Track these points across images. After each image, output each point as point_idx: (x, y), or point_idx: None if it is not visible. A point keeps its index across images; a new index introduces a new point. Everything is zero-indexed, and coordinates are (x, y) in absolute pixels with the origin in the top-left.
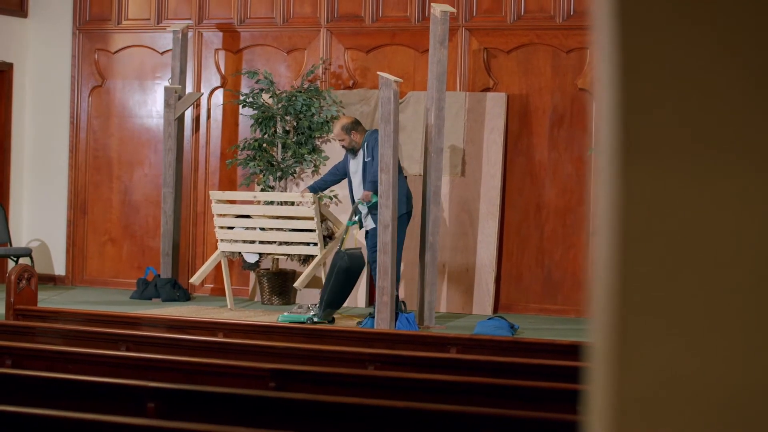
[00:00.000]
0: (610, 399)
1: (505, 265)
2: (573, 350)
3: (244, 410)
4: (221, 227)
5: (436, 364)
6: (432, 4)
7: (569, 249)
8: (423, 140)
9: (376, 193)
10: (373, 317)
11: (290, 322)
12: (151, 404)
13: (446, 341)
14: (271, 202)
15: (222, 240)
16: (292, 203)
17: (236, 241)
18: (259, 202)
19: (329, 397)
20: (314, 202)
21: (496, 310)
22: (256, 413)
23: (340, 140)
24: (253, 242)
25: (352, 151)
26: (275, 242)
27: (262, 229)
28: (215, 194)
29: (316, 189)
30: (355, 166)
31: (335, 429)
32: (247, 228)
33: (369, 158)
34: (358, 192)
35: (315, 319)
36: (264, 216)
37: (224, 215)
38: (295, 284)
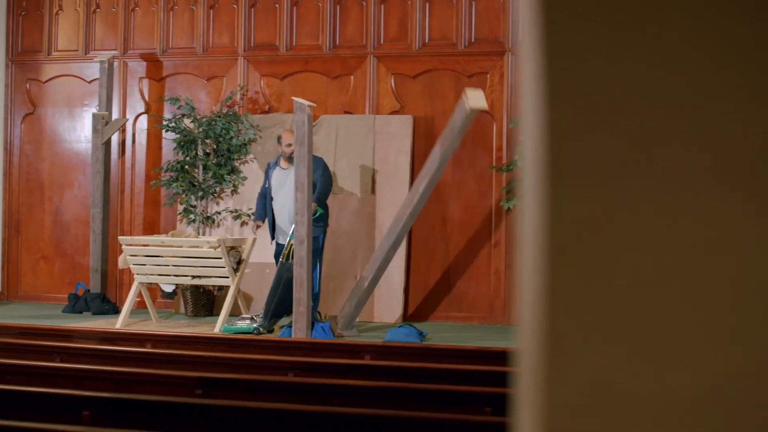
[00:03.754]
0: (540, 406)
1: (413, 276)
2: (478, 355)
3: (173, 417)
4: (134, 264)
5: (351, 371)
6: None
7: (473, 260)
8: (333, 160)
9: (320, 206)
10: (291, 327)
11: (234, 333)
12: (86, 412)
13: (360, 348)
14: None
15: (138, 274)
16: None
17: (152, 274)
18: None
19: (253, 403)
20: (218, 247)
21: (405, 318)
22: (185, 419)
23: (288, 144)
24: (167, 275)
25: (291, 159)
26: (188, 276)
27: (175, 265)
28: (124, 239)
29: (259, 217)
30: (284, 177)
31: None
32: (158, 265)
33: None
34: (284, 205)
35: (261, 329)
36: (173, 256)
37: (135, 255)
38: (216, 329)
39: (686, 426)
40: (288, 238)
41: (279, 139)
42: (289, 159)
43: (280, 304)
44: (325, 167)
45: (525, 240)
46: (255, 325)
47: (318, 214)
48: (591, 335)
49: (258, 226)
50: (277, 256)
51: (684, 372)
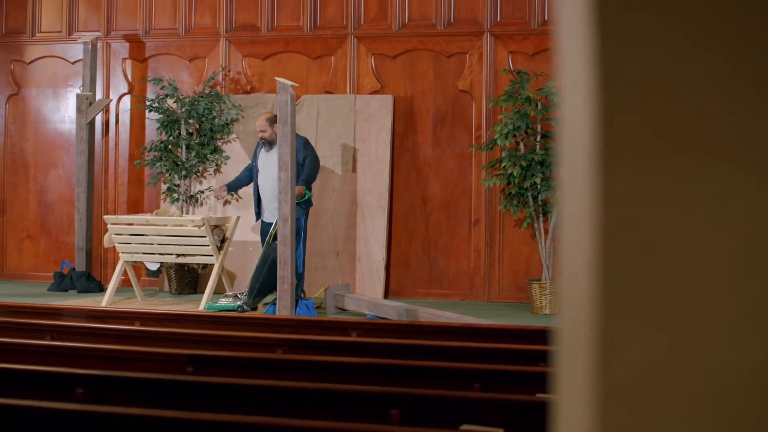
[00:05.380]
0: (590, 389)
1: (394, 253)
2: (465, 331)
3: (165, 394)
4: (120, 243)
5: (339, 347)
6: None
7: (453, 238)
8: (314, 139)
9: (308, 189)
10: (275, 304)
11: (218, 311)
12: (80, 390)
13: (347, 326)
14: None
15: (123, 252)
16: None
17: (137, 252)
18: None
19: (244, 380)
20: (202, 225)
21: (386, 295)
22: (178, 396)
23: (261, 131)
24: (152, 253)
25: (269, 143)
26: (173, 254)
27: (160, 244)
28: (110, 218)
29: (232, 186)
30: (267, 159)
31: (250, 410)
32: (143, 243)
33: (300, 158)
34: (269, 184)
35: (245, 307)
36: (158, 235)
37: (120, 234)
38: (201, 306)
39: (739, 406)
40: (276, 218)
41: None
42: (266, 144)
43: (264, 283)
44: (313, 149)
45: (571, 221)
46: (239, 303)
47: (307, 197)
48: (644, 316)
49: (220, 194)
50: (263, 234)
51: (739, 353)
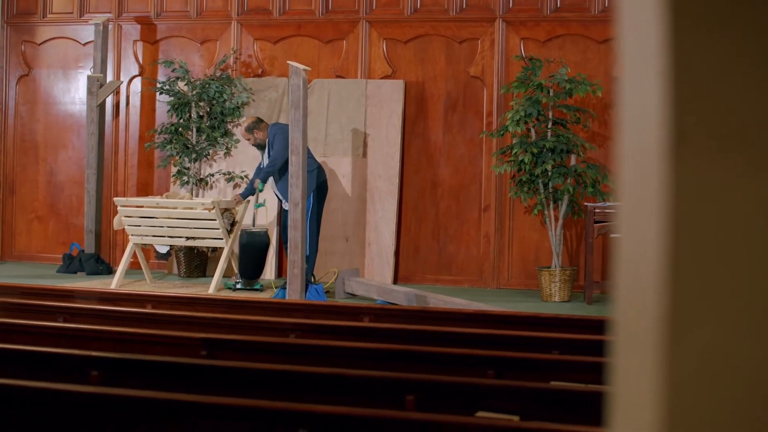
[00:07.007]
0: (658, 377)
1: (403, 239)
2: (475, 317)
3: (180, 377)
4: (129, 225)
5: (351, 332)
6: None
7: (463, 224)
8: (325, 124)
9: (263, 181)
10: (285, 288)
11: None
12: (95, 372)
13: (359, 311)
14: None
15: (133, 235)
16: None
17: (146, 235)
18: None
19: (258, 365)
20: (212, 209)
21: (395, 281)
22: (192, 380)
23: (246, 140)
24: (162, 236)
25: (260, 146)
26: (183, 237)
27: (170, 226)
28: (120, 200)
29: (245, 194)
30: (264, 159)
31: (265, 393)
32: (153, 226)
33: (269, 149)
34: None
35: (237, 286)
36: (168, 218)
37: (130, 216)
38: (210, 290)
39: None
40: (254, 207)
41: None
42: (258, 147)
43: (241, 266)
44: (283, 139)
45: (634, 211)
46: (233, 281)
47: (259, 189)
48: (707, 306)
49: (238, 202)
50: (284, 221)
51: None
